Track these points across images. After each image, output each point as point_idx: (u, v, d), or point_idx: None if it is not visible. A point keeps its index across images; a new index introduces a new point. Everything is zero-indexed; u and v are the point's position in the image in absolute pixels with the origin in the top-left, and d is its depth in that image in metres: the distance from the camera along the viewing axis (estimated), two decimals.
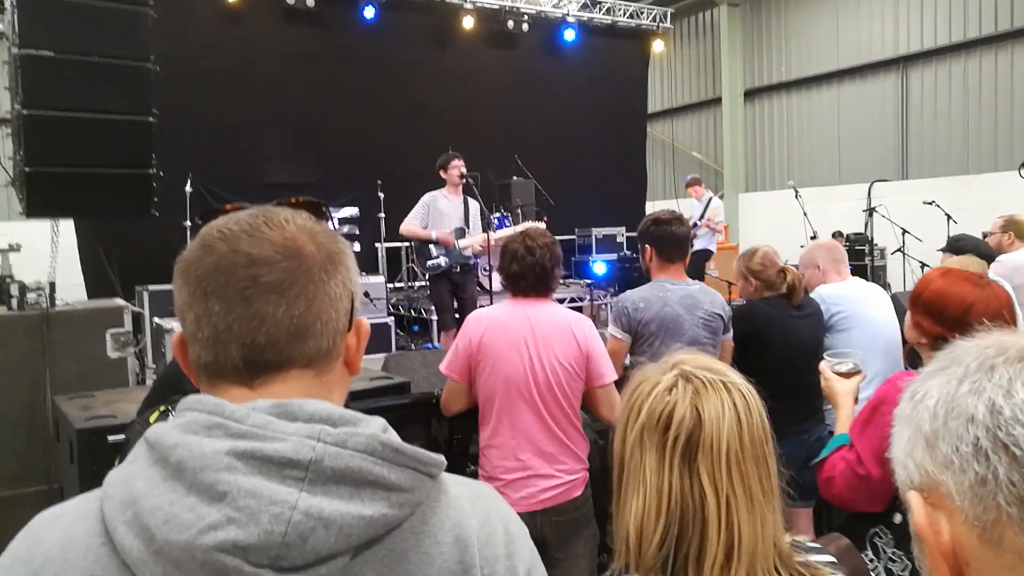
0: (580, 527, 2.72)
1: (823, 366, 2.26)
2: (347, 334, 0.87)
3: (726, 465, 1.12)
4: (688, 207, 9.44)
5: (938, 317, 1.97)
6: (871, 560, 1.88)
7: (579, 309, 9.19)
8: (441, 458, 0.82)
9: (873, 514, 1.91)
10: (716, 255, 9.46)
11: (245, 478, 0.72)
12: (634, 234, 11.61)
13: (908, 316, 2.11)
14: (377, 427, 0.79)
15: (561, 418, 2.68)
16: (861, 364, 2.27)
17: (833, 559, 1.22)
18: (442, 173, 6.59)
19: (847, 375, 2.22)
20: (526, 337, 2.65)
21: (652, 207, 13.49)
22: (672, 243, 3.09)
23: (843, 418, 2.13)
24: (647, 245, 3.12)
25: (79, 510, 0.79)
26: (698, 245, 8.67)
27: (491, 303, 6.89)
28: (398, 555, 0.78)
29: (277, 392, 0.82)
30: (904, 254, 9.11)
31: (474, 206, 6.74)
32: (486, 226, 6.59)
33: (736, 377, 1.20)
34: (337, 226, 9.02)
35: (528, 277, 2.73)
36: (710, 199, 9.44)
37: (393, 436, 0.79)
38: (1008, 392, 0.54)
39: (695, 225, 9.12)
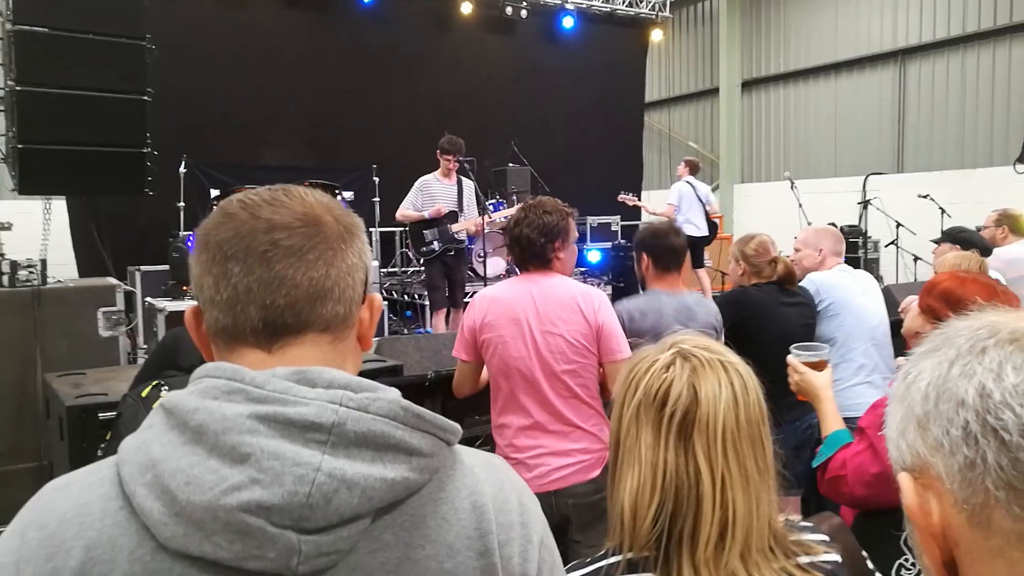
0: (602, 511, 2.69)
1: (791, 359, 2.12)
2: (361, 306, 0.89)
3: (722, 443, 1.12)
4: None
5: (955, 307, 1.94)
6: None
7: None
8: (457, 426, 0.83)
9: (885, 513, 1.78)
10: (710, 246, 9.46)
11: (268, 440, 0.72)
12: (629, 223, 11.64)
13: (915, 305, 2.06)
14: (395, 394, 0.80)
15: (571, 398, 2.59)
16: (828, 357, 2.14)
17: (826, 537, 1.23)
18: (439, 154, 6.58)
19: (816, 365, 2.09)
20: (528, 313, 2.58)
21: (648, 196, 13.49)
22: (669, 254, 3.08)
23: (829, 412, 2.02)
24: (644, 254, 3.11)
25: (90, 477, 0.78)
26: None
27: (485, 287, 6.91)
28: (417, 520, 0.79)
29: (295, 357, 0.82)
30: (898, 247, 9.15)
31: (468, 187, 6.74)
32: (482, 208, 6.59)
33: (733, 357, 1.21)
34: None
35: (515, 248, 2.70)
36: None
37: (411, 403, 0.79)
38: (998, 376, 0.53)
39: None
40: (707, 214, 8.59)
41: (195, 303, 0.88)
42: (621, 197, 8.94)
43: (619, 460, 1.18)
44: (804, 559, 1.16)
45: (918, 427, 0.57)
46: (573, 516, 2.55)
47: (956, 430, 0.54)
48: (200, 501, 0.70)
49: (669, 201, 8.50)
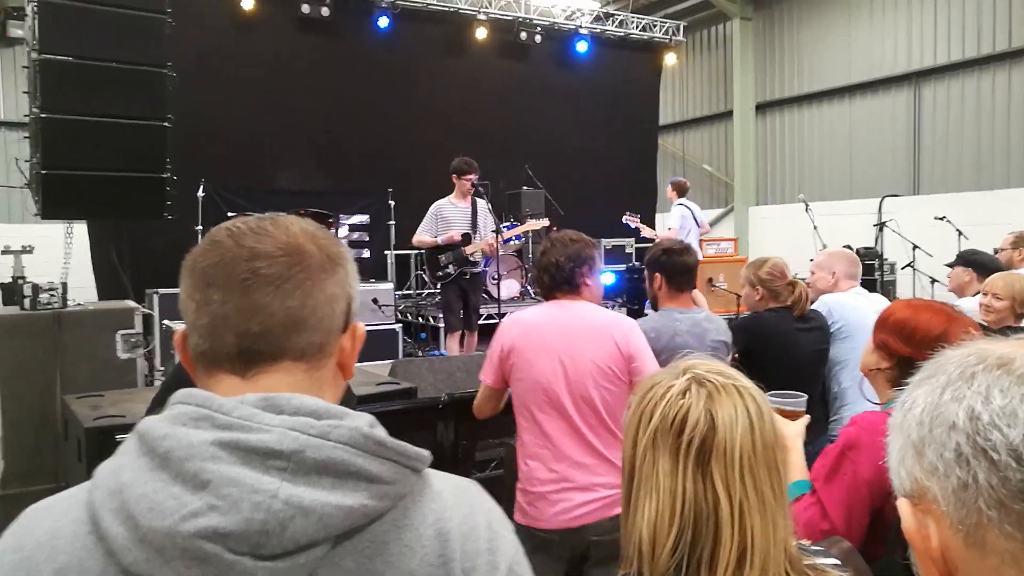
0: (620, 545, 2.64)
1: None
2: (342, 335, 0.90)
3: (739, 469, 1.12)
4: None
5: (909, 339, 1.88)
6: None
7: None
8: (426, 453, 0.83)
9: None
10: (724, 268, 9.43)
11: (228, 467, 0.73)
12: (644, 245, 11.63)
13: (869, 340, 2.02)
14: (363, 421, 0.80)
15: (598, 426, 2.53)
16: (803, 408, 2.09)
17: (838, 561, 1.22)
18: (454, 178, 6.63)
19: (790, 415, 2.04)
20: (558, 340, 2.55)
21: (661, 220, 13.49)
22: (682, 272, 3.09)
23: (794, 462, 1.96)
24: (657, 273, 3.12)
25: (69, 500, 0.81)
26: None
27: (499, 310, 6.92)
28: (378, 546, 0.79)
29: (269, 384, 0.84)
30: (914, 269, 9.08)
31: (482, 207, 6.76)
32: (496, 229, 6.62)
33: (746, 382, 1.20)
34: (346, 234, 9.08)
35: (543, 276, 2.70)
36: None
37: (379, 431, 0.80)
38: (986, 399, 0.55)
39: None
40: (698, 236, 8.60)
41: (184, 328, 0.90)
42: (626, 218, 8.87)
43: (635, 487, 1.17)
44: None
45: (915, 453, 0.59)
46: (593, 552, 2.50)
47: (949, 453, 0.55)
48: (160, 527, 0.71)
49: (670, 225, 8.44)
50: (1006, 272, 3.71)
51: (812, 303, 3.53)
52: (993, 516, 0.53)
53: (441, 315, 7.75)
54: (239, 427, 0.76)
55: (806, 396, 2.13)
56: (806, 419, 2.08)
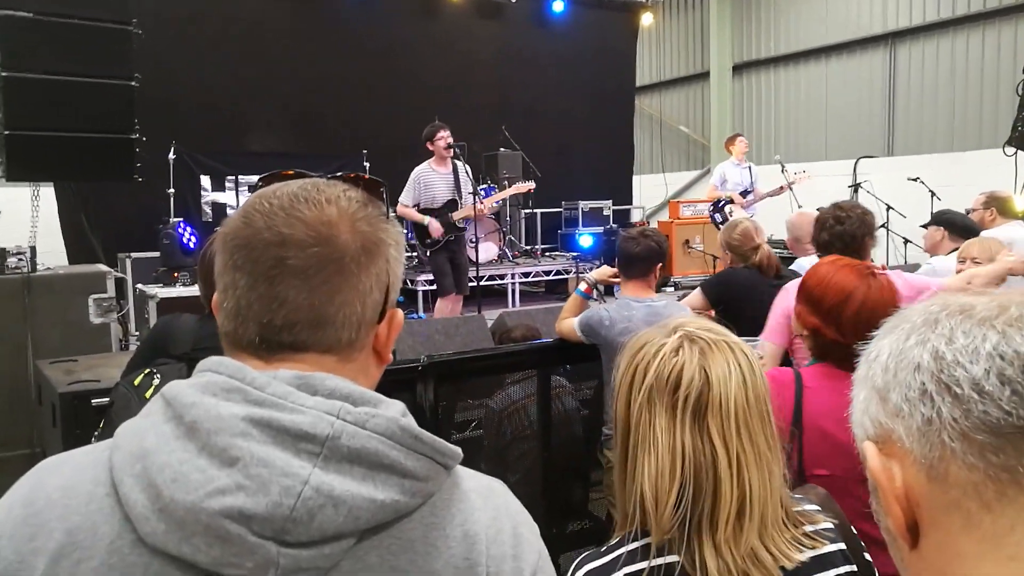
0: None
1: None
2: (378, 325, 0.85)
3: (735, 422, 1.14)
4: (735, 173, 8.66)
5: (816, 307, 1.88)
6: None
7: (564, 282, 9.22)
8: (458, 450, 0.81)
9: None
10: (700, 229, 9.47)
11: (259, 446, 0.71)
12: (621, 207, 11.64)
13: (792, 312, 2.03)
14: (397, 411, 0.78)
15: None
16: (762, 354, 2.17)
17: (818, 507, 1.26)
18: (429, 145, 6.57)
19: None
20: None
21: (639, 181, 13.48)
22: (627, 261, 3.15)
23: None
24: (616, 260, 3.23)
25: (86, 457, 0.78)
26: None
27: (477, 274, 6.92)
28: (404, 544, 0.76)
29: (294, 369, 0.80)
30: (888, 230, 9.18)
31: (462, 170, 6.74)
32: (475, 193, 6.61)
33: (735, 338, 1.23)
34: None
35: (837, 244, 2.80)
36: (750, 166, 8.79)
37: (412, 422, 0.78)
38: (950, 340, 0.58)
39: (746, 193, 8.47)
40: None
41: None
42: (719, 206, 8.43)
43: (632, 447, 1.18)
44: (809, 528, 1.19)
45: (879, 399, 0.61)
46: None
47: (914, 392, 0.58)
48: (184, 500, 0.69)
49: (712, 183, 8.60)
50: (979, 238, 3.75)
51: (789, 264, 3.58)
52: (956, 448, 0.55)
53: (419, 278, 7.75)
54: (272, 404, 0.73)
55: (762, 340, 2.28)
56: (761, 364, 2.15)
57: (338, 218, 0.82)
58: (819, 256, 3.00)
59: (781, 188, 8.43)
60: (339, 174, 7.03)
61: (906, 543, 0.60)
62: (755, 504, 1.13)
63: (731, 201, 8.46)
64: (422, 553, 0.77)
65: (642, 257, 3.13)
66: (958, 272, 3.59)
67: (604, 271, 3.43)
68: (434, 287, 7.11)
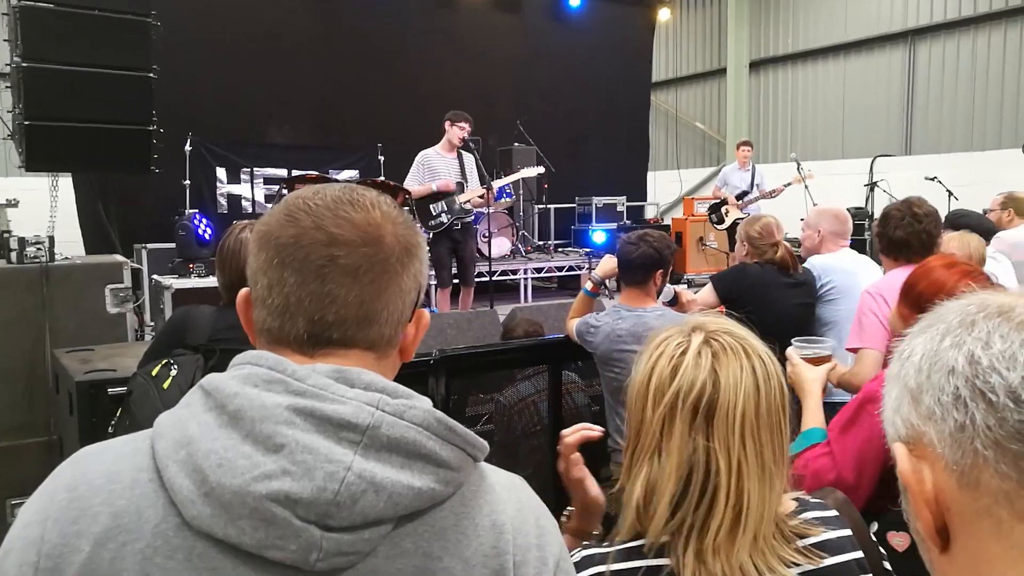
0: None
1: (790, 351, 2.11)
2: (408, 324, 0.89)
3: (740, 432, 1.11)
4: (735, 177, 9.17)
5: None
6: None
7: (577, 277, 9.22)
8: (485, 444, 0.83)
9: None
10: (715, 227, 9.44)
11: (303, 434, 0.73)
12: (635, 203, 11.61)
13: (897, 303, 1.99)
14: (429, 404, 0.80)
15: None
16: (833, 353, 2.13)
17: (835, 513, 1.23)
18: (447, 124, 6.52)
19: (815, 361, 2.07)
20: None
21: (653, 177, 13.44)
22: (623, 267, 3.05)
23: (811, 408, 1.96)
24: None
25: (126, 447, 0.80)
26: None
27: (489, 268, 6.91)
28: (437, 532, 0.79)
29: (335, 364, 0.82)
30: None
31: (469, 160, 6.70)
32: (486, 183, 6.58)
33: (756, 341, 1.18)
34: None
35: (914, 243, 2.75)
36: (753, 167, 9.23)
37: (445, 415, 0.80)
38: (986, 344, 0.56)
39: (742, 195, 8.90)
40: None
41: (247, 289, 0.88)
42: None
43: (637, 447, 1.17)
44: (803, 542, 1.16)
45: (911, 400, 0.60)
46: None
47: (947, 396, 0.57)
48: (230, 484, 0.71)
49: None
50: (960, 232, 3.71)
51: (803, 261, 3.56)
52: (989, 456, 0.54)
53: (430, 272, 7.74)
54: (313, 395, 0.76)
55: (832, 342, 2.16)
56: (829, 364, 2.08)
57: (382, 220, 0.86)
58: (886, 255, 2.93)
59: (774, 191, 8.75)
60: (367, 180, 7.02)
61: (935, 546, 0.59)
62: (751, 517, 1.10)
63: (726, 202, 8.74)
64: (453, 541, 0.80)
65: (637, 264, 2.98)
66: None
67: (608, 266, 3.29)
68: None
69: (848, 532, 1.20)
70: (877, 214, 9.78)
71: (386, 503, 0.74)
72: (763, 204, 8.73)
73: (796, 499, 1.23)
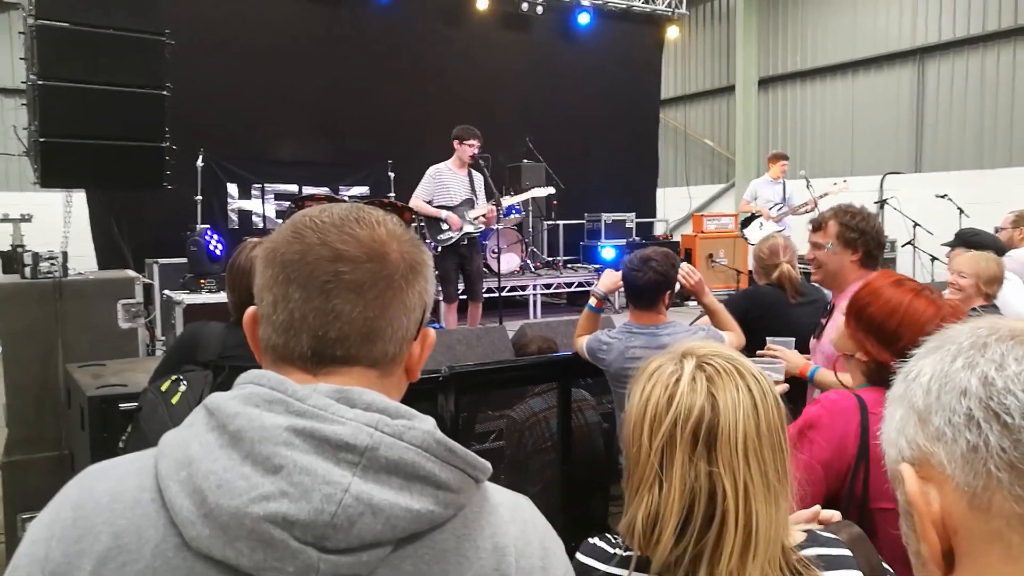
0: None
1: (772, 345, 2.65)
2: (413, 342, 0.89)
3: (743, 453, 1.11)
4: (767, 190, 8.81)
5: (889, 343, 1.75)
6: None
7: (586, 294, 9.21)
8: (488, 464, 0.83)
9: None
10: (724, 243, 9.43)
11: (302, 455, 0.73)
12: (644, 220, 11.62)
13: (843, 323, 1.94)
14: (430, 425, 0.80)
15: None
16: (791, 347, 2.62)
17: (848, 552, 1.20)
18: (456, 143, 6.57)
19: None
20: None
21: (663, 194, 13.45)
22: (630, 292, 3.04)
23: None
24: None
25: (132, 465, 0.80)
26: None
27: (499, 284, 6.93)
28: (437, 554, 0.78)
29: (338, 383, 0.82)
30: (914, 247, 9.08)
31: (479, 178, 6.75)
32: (494, 199, 6.61)
33: (748, 362, 1.19)
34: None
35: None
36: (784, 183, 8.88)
37: (445, 436, 0.80)
38: (1001, 366, 0.56)
39: (776, 208, 8.56)
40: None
41: (254, 307, 0.89)
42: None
43: (638, 475, 1.16)
44: None
45: (919, 421, 0.60)
46: None
47: (959, 418, 0.56)
48: (228, 506, 0.71)
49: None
50: (971, 253, 3.72)
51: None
52: (1003, 478, 0.54)
53: (437, 287, 7.76)
54: (314, 416, 0.76)
55: (792, 339, 2.61)
56: (781, 388, 2.25)
57: (387, 238, 0.86)
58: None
59: (809, 203, 8.47)
60: (374, 201, 7.06)
61: (939, 570, 0.58)
62: (760, 539, 1.09)
63: (759, 215, 8.51)
64: (454, 563, 0.79)
65: (646, 290, 2.98)
66: (949, 284, 3.56)
67: (609, 280, 3.29)
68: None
69: (857, 575, 1.17)
70: (888, 232, 9.78)
71: (384, 525, 0.73)
72: (793, 218, 8.57)
73: (807, 531, 1.21)
